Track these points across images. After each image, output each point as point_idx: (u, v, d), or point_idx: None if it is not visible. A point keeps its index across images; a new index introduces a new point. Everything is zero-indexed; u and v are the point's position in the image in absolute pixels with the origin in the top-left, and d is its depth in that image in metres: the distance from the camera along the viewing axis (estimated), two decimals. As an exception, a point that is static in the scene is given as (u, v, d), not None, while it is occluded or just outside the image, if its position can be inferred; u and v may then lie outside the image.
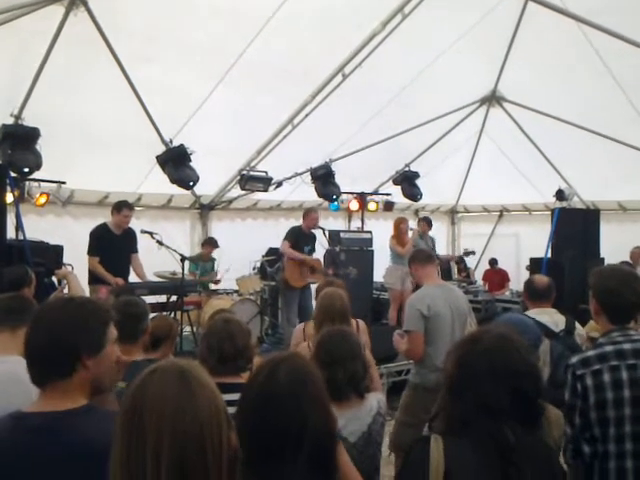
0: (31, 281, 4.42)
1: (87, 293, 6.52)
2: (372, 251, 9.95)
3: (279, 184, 10.00)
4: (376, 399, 2.85)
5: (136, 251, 7.31)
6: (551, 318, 4.06)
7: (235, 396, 2.66)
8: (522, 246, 12.66)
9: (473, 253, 12.34)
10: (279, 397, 1.77)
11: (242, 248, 10.21)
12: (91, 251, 6.98)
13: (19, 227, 6.23)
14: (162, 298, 7.53)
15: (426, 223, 10.51)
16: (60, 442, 1.75)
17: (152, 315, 4.03)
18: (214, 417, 1.46)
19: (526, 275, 8.78)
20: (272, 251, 9.90)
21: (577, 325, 4.10)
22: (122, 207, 7.16)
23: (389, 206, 11.95)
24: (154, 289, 7.22)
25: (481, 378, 1.89)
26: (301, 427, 1.73)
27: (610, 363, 2.64)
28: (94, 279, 6.92)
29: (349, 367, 2.71)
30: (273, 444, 1.72)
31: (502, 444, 1.81)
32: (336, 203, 10.82)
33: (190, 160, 8.05)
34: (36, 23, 6.12)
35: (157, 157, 8.09)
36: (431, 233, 10.70)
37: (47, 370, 1.84)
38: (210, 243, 9.56)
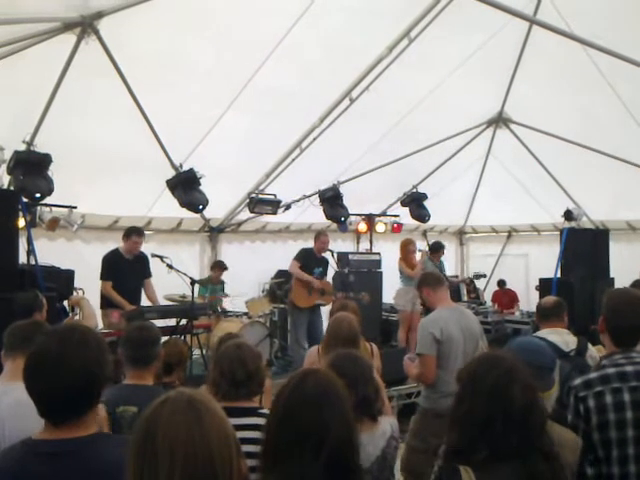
0: (42, 305, 4.44)
1: (99, 318, 6.57)
2: (381, 273, 9.95)
3: (288, 207, 10.06)
4: (389, 423, 2.86)
5: (149, 275, 7.38)
6: (561, 338, 4.04)
7: (248, 420, 2.69)
8: (531, 266, 12.64)
9: (484, 276, 12.35)
10: (304, 404, 1.89)
11: (251, 270, 10.27)
12: (104, 276, 7.07)
13: (31, 252, 6.28)
14: (172, 321, 7.55)
15: (442, 251, 10.46)
16: (74, 468, 1.78)
17: (163, 339, 4.04)
18: (224, 443, 1.50)
19: (536, 295, 8.77)
20: (281, 273, 9.92)
21: (590, 347, 4.08)
22: (131, 234, 7.24)
23: (397, 227, 11.97)
24: (164, 313, 7.24)
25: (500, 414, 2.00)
26: (322, 432, 1.82)
27: (612, 385, 2.64)
28: (106, 303, 6.98)
29: (360, 390, 2.71)
30: (296, 446, 1.82)
31: (533, 473, 1.89)
32: (345, 224, 10.84)
33: (199, 184, 8.11)
34: (48, 51, 6.21)
35: (167, 181, 8.15)
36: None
37: (76, 408, 1.84)
38: (219, 266, 9.60)
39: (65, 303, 6.13)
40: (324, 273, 8.72)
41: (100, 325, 6.61)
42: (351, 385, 2.69)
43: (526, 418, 2.00)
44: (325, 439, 1.81)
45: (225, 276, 9.62)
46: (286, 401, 1.93)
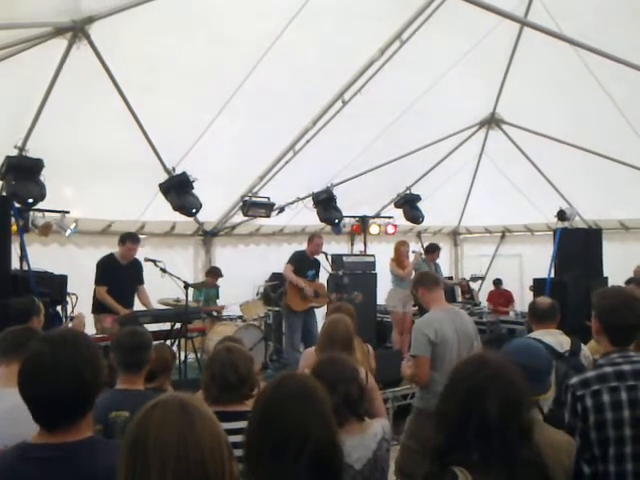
0: (39, 310, 4.42)
1: (92, 323, 6.57)
2: (375, 274, 9.94)
3: (281, 209, 10.07)
4: (380, 425, 2.84)
5: (142, 282, 7.35)
6: (555, 339, 4.07)
7: (239, 424, 2.67)
8: (525, 267, 12.66)
9: (483, 278, 12.37)
10: (284, 406, 1.89)
11: (245, 274, 10.25)
12: (98, 281, 7.04)
13: (24, 257, 6.26)
14: (165, 325, 7.53)
15: (438, 252, 10.46)
16: (67, 473, 1.78)
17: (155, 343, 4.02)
18: (215, 446, 1.51)
19: (530, 295, 8.78)
20: (275, 276, 9.90)
21: (583, 347, 4.09)
22: (126, 240, 7.21)
23: (393, 230, 11.98)
24: (158, 317, 7.21)
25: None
26: (303, 434, 1.82)
27: (610, 384, 2.65)
28: (99, 308, 6.95)
29: (341, 389, 2.68)
30: (277, 448, 1.82)
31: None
32: (339, 227, 10.85)
33: (193, 187, 8.11)
34: (39, 56, 6.20)
35: (160, 185, 8.15)
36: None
37: (70, 413, 1.85)
38: (214, 272, 9.60)
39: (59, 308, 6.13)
40: (317, 275, 8.72)
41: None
42: (331, 387, 2.68)
43: (505, 422, 1.97)
44: (306, 440, 1.81)
45: (219, 280, 9.63)
46: (265, 404, 1.93)
